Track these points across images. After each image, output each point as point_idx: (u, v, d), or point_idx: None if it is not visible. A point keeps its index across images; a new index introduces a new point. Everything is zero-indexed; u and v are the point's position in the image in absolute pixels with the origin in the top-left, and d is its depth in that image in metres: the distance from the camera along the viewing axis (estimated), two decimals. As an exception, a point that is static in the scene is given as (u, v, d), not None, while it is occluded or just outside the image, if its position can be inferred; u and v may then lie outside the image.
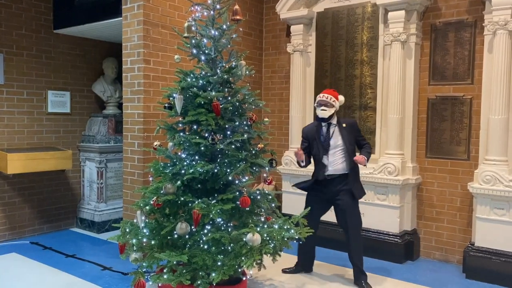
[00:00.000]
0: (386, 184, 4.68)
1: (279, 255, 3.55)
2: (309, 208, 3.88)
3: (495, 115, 4.16)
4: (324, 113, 3.98)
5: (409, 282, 4.17)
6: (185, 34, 3.50)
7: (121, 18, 4.74)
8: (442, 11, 4.76)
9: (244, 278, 3.51)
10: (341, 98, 4.12)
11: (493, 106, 4.17)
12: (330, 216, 5.07)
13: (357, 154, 4.02)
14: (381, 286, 4.02)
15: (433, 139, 4.82)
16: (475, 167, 4.48)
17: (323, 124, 4.05)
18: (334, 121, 4.05)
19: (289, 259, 4.38)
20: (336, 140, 4.00)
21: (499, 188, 4.06)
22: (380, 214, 4.77)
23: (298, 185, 4.27)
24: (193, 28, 3.51)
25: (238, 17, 3.57)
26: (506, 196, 4.04)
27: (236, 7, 3.59)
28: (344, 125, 4.05)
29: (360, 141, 4.10)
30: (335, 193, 3.98)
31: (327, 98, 3.98)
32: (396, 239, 4.71)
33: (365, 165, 4.02)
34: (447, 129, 4.74)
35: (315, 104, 4.07)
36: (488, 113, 4.24)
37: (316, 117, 4.13)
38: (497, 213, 4.14)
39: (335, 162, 3.98)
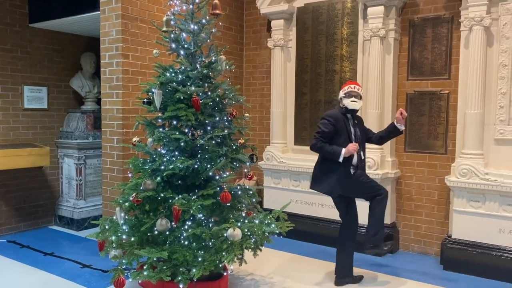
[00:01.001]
0: (366, 178, 4.73)
1: (260, 250, 3.57)
2: (289, 202, 3.86)
3: (471, 110, 4.24)
4: (355, 104, 3.82)
5: (389, 275, 4.23)
6: (164, 28, 3.46)
7: (99, 12, 4.66)
8: (420, 7, 4.82)
9: (225, 274, 3.52)
10: None
11: (469, 100, 4.25)
12: (317, 212, 5.12)
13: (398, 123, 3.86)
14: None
15: (412, 133, 4.90)
16: (452, 160, 4.56)
17: (348, 116, 3.88)
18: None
19: (271, 254, 4.40)
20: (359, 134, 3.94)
21: (475, 181, 4.14)
22: (360, 208, 4.81)
23: (323, 189, 3.89)
24: (172, 22, 3.47)
25: (217, 12, 3.55)
26: (482, 189, 4.13)
27: (216, 1, 3.57)
28: (355, 121, 3.97)
29: (371, 132, 4.08)
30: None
31: (358, 90, 3.84)
32: (375, 232, 4.77)
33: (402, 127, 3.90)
34: (425, 123, 4.81)
35: (343, 95, 3.84)
36: (465, 107, 4.32)
37: (344, 108, 3.86)
38: (473, 205, 4.23)
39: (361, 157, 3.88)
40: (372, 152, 4.77)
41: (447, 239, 4.44)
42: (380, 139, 4.04)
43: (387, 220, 4.91)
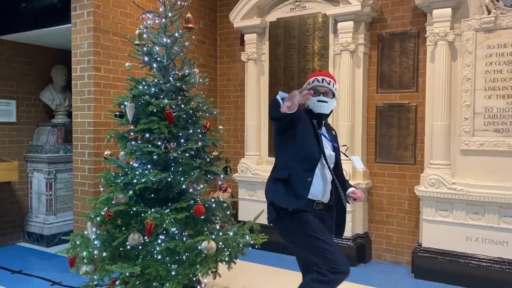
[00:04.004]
0: (339, 189, 4.80)
1: (235, 263, 3.56)
2: (262, 210, 3.28)
3: (438, 121, 4.38)
4: (324, 105, 2.55)
5: (362, 284, 4.28)
6: (137, 42, 3.46)
7: (70, 25, 4.62)
8: (388, 22, 4.98)
9: (199, 287, 3.49)
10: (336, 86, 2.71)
11: (436, 112, 4.40)
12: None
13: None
14: (335, 289, 4.10)
15: (382, 144, 5.02)
16: (421, 171, 4.69)
17: (314, 121, 2.61)
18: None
19: (245, 267, 4.39)
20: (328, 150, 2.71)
21: (443, 191, 4.27)
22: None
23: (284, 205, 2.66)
24: (144, 36, 3.47)
25: (190, 25, 3.58)
26: (449, 198, 4.26)
27: (189, 15, 3.60)
28: (333, 132, 2.79)
29: (341, 165, 2.82)
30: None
31: (329, 84, 2.55)
32: (349, 243, 4.83)
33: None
34: (394, 135, 4.94)
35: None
36: (432, 119, 4.46)
37: (306, 110, 2.63)
38: (442, 214, 4.35)
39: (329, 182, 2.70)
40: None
41: (417, 248, 4.54)
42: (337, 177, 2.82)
43: (360, 230, 4.99)
